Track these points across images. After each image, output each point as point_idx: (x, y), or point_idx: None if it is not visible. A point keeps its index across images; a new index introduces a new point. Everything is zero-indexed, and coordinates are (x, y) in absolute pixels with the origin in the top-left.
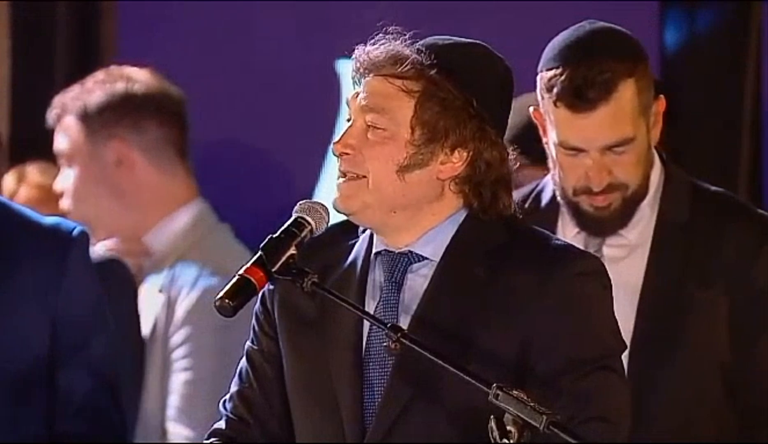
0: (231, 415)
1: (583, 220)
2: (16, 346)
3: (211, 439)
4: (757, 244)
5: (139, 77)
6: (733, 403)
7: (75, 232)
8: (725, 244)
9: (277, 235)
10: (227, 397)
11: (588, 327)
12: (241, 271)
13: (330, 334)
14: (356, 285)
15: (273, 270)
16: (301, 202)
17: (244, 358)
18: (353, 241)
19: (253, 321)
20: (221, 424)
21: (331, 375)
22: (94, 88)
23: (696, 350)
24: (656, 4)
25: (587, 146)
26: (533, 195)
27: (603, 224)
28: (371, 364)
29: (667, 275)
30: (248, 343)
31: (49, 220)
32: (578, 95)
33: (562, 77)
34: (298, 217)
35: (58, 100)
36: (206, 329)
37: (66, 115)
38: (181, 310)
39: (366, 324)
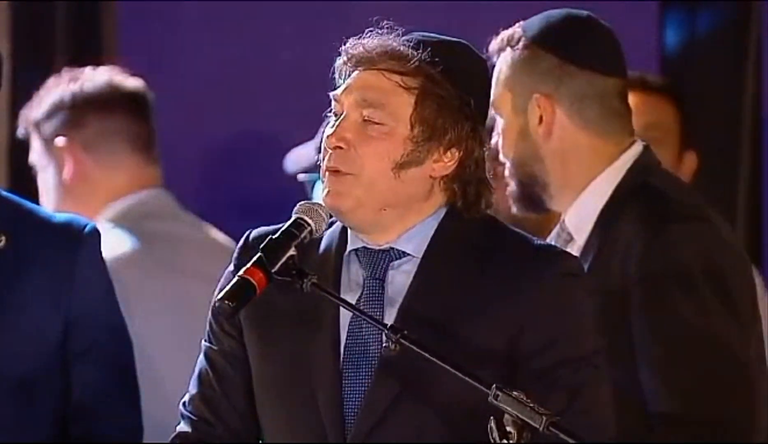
0: (194, 417)
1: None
2: (27, 346)
3: (177, 442)
4: (649, 236)
5: (85, 76)
6: (637, 408)
7: (86, 230)
8: (625, 239)
9: (276, 236)
10: (187, 398)
11: (575, 327)
12: (241, 273)
13: (307, 333)
14: (330, 283)
15: (273, 271)
16: (300, 202)
17: (201, 358)
18: (318, 238)
19: (210, 320)
20: (185, 427)
21: (309, 374)
22: (42, 98)
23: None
24: (656, 4)
25: None
26: None
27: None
28: (352, 362)
29: None
30: (204, 342)
31: (61, 217)
32: None
33: None
34: (298, 217)
35: (21, 116)
36: None
37: (28, 130)
38: None
39: (344, 322)
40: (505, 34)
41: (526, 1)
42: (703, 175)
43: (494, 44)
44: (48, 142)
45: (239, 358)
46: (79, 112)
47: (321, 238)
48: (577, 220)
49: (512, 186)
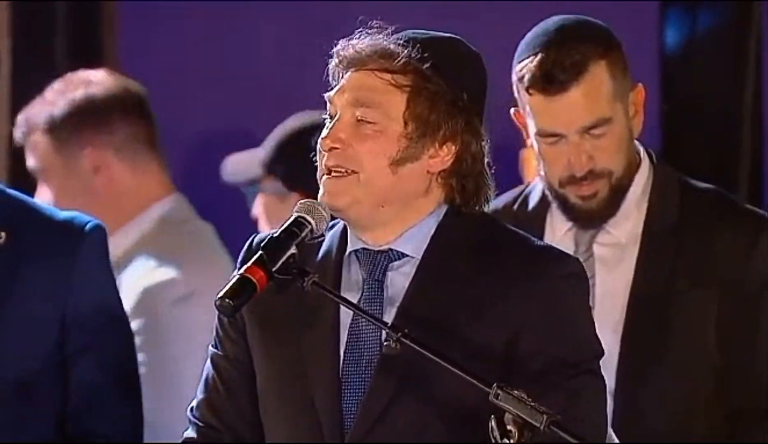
0: (200, 423)
1: (572, 213)
2: (26, 344)
3: None
4: (748, 242)
5: (96, 79)
6: (724, 403)
7: (87, 227)
8: (716, 242)
9: (277, 234)
10: (194, 404)
11: (575, 330)
12: (242, 271)
13: (307, 333)
14: (330, 285)
15: (273, 269)
16: (301, 201)
17: (208, 363)
18: (320, 240)
19: (216, 325)
20: (191, 433)
21: (308, 375)
22: (56, 99)
23: (685, 350)
24: (656, 4)
25: (564, 130)
26: (521, 197)
27: (591, 215)
28: (352, 363)
29: (656, 275)
30: (211, 348)
31: (64, 214)
32: (549, 79)
33: (533, 64)
34: (299, 216)
35: (22, 118)
36: (141, 331)
37: (33, 132)
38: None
39: (345, 322)
40: (573, 50)
41: (528, 0)
42: (702, 174)
43: (562, 70)
44: (69, 146)
45: (244, 362)
46: (106, 115)
47: (322, 241)
48: (624, 222)
49: (602, 195)
